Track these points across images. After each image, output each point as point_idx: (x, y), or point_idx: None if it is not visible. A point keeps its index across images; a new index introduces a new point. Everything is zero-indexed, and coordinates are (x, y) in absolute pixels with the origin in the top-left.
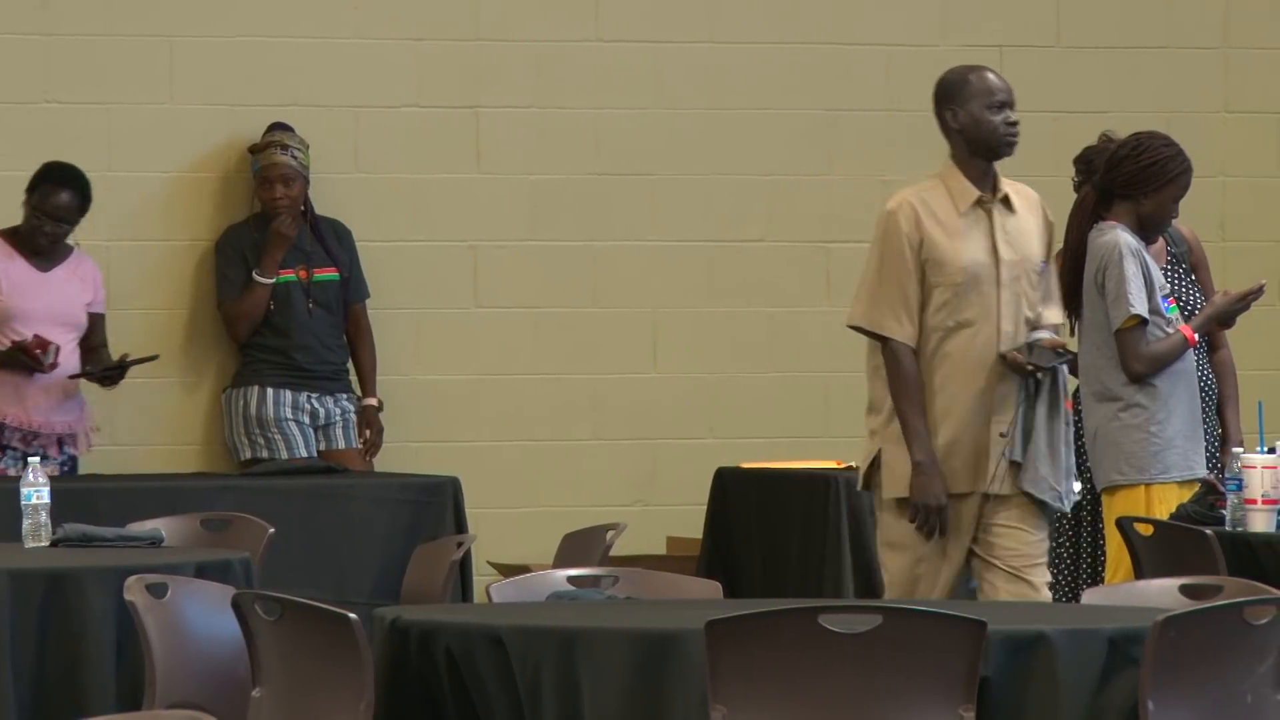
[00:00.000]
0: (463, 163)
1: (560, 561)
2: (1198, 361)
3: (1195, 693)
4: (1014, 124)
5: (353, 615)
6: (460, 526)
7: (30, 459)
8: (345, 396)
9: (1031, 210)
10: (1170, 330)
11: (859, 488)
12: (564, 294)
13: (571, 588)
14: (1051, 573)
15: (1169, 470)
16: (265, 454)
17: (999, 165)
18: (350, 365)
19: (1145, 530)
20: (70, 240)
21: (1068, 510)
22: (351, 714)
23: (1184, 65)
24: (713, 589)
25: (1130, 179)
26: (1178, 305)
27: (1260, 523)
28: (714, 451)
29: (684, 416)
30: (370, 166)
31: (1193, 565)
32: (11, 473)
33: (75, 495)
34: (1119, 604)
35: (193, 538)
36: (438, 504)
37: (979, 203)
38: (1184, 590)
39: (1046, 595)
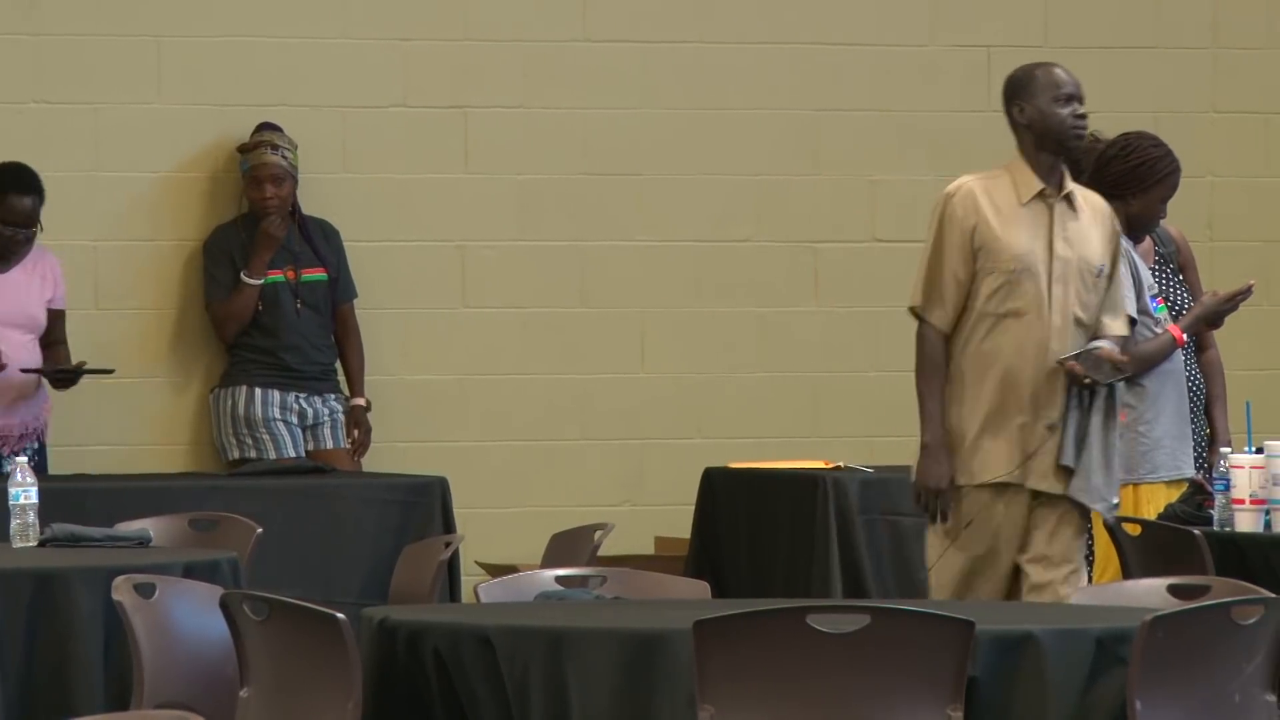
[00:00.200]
0: (451, 163)
1: (548, 561)
2: (1186, 361)
3: (1183, 692)
4: (1082, 117)
5: (340, 615)
6: (448, 526)
7: (18, 459)
8: (333, 396)
9: (1096, 216)
10: (1158, 330)
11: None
12: (552, 294)
13: (559, 588)
14: None
15: (1157, 470)
16: (253, 454)
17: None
18: (338, 365)
19: (1133, 530)
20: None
21: (1109, 520)
22: (339, 714)
23: (1172, 65)
24: (700, 589)
25: (1119, 179)
26: (1165, 305)
27: (1247, 523)
28: (702, 451)
29: (672, 416)
30: (358, 166)
31: (1180, 565)
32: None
33: (63, 495)
34: (1107, 604)
35: (181, 538)
36: (426, 504)
37: (1041, 195)
38: (1172, 590)
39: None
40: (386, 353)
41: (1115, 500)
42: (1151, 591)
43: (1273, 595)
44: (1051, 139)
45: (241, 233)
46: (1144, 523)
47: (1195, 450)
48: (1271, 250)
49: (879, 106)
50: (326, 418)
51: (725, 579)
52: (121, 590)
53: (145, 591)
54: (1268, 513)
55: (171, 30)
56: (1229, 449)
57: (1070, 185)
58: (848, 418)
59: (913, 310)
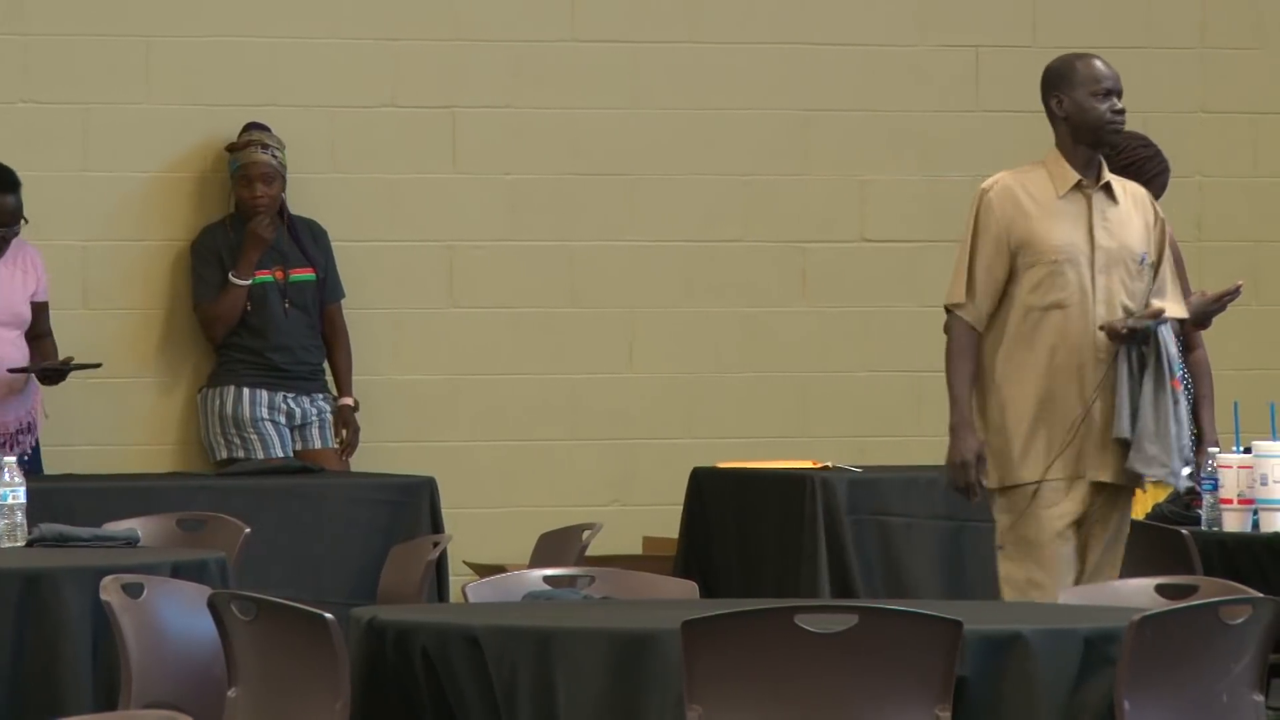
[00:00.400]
0: (439, 163)
1: (536, 561)
2: None
3: (1171, 692)
4: (1120, 111)
5: (329, 615)
6: (436, 526)
7: (6, 460)
8: (321, 396)
9: (1136, 204)
10: None
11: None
12: (541, 294)
13: (548, 588)
14: None
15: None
16: (241, 454)
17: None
18: (326, 365)
19: None
20: None
21: (1181, 489)
22: (327, 714)
23: (1161, 65)
24: (689, 589)
25: None
26: None
27: (1235, 522)
28: (690, 451)
29: (661, 416)
30: (347, 166)
31: (1168, 565)
32: None
33: (51, 495)
34: (1095, 603)
35: (169, 538)
36: (414, 504)
37: (1079, 187)
38: (1160, 590)
39: None
40: (375, 353)
41: (1178, 467)
42: (1139, 591)
43: (1260, 595)
44: (1088, 133)
45: (230, 233)
46: (1132, 522)
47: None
48: (1260, 250)
49: (868, 107)
50: (315, 418)
51: (714, 579)
52: (109, 590)
53: (133, 591)
54: (1255, 512)
55: (160, 30)
56: (1217, 449)
57: (1108, 175)
58: (836, 418)
59: (947, 308)
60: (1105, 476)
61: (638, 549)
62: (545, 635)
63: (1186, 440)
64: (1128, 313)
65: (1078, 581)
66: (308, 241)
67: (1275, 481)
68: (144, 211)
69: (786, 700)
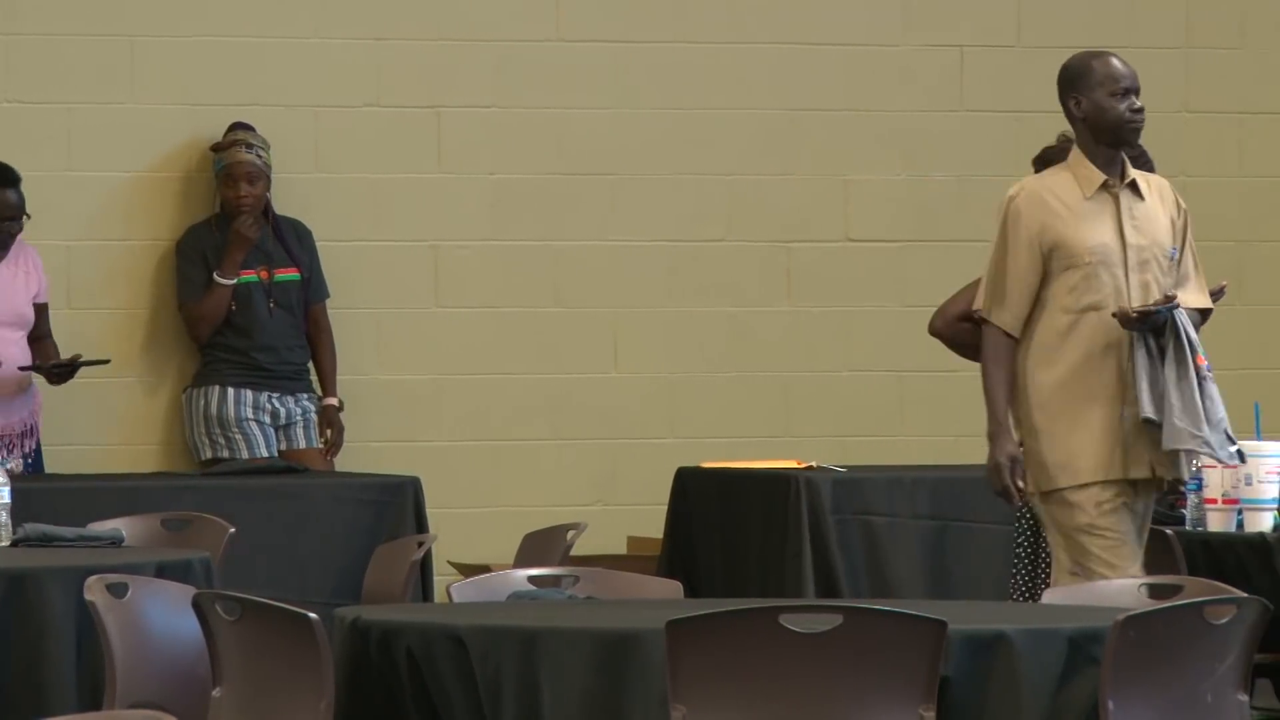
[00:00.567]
0: (424, 162)
1: (521, 561)
2: None
3: (1156, 692)
4: (1138, 110)
5: (313, 615)
6: (421, 526)
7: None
8: (306, 396)
9: (1161, 198)
10: None
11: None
12: (525, 294)
13: (532, 587)
14: (1011, 573)
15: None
16: (226, 454)
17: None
18: (311, 365)
19: None
20: None
21: (1226, 460)
22: (312, 714)
23: (1145, 65)
24: (673, 589)
25: None
26: None
27: (1220, 522)
28: (674, 451)
29: (645, 416)
30: (331, 166)
31: (1153, 565)
32: None
33: (35, 495)
34: (1079, 603)
35: (153, 537)
36: (398, 504)
37: (1105, 187)
38: (1144, 589)
39: None
40: (359, 352)
41: (1221, 440)
42: (1124, 591)
43: (1245, 595)
44: (1107, 133)
45: (214, 233)
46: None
47: None
48: (1245, 250)
49: (852, 106)
50: (299, 418)
51: (698, 579)
52: (94, 590)
53: (118, 591)
54: (1240, 512)
55: (145, 30)
56: None
57: (1132, 173)
58: (820, 417)
59: (978, 314)
60: (1144, 473)
61: (622, 549)
62: (530, 635)
63: (1221, 414)
64: None
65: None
66: (292, 241)
67: (1260, 481)
68: (129, 211)
69: (771, 700)
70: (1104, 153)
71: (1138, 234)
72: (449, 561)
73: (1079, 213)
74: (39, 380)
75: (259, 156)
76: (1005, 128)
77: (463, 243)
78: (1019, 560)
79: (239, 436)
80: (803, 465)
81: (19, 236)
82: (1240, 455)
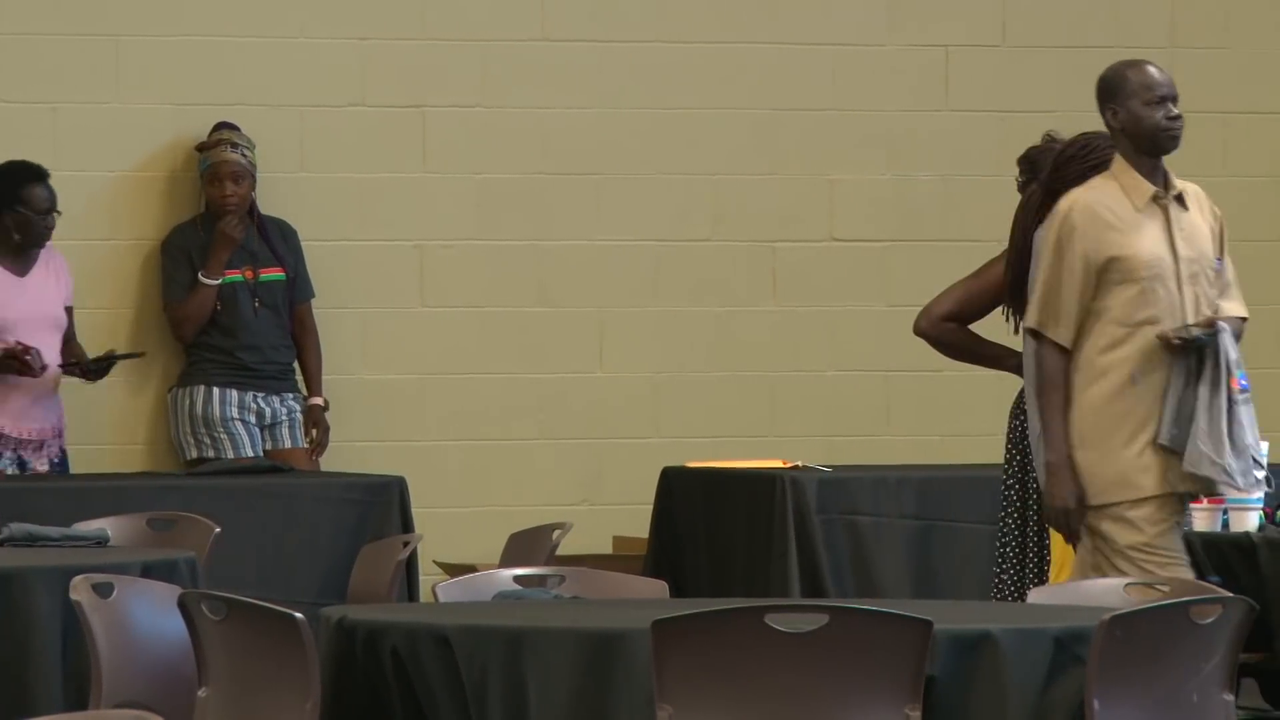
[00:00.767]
0: (409, 162)
1: (506, 561)
2: None
3: (1141, 691)
4: (1176, 118)
5: (299, 615)
6: (406, 526)
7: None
8: (291, 396)
9: (1201, 207)
10: None
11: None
12: (510, 293)
13: (518, 587)
14: (997, 573)
15: None
16: (211, 454)
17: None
18: (296, 365)
19: None
20: None
21: (1244, 489)
22: (298, 714)
23: None
24: (659, 588)
25: (1077, 179)
26: None
27: (1205, 522)
28: (660, 451)
29: (630, 416)
30: (316, 166)
31: None
32: (10, 472)
33: (21, 495)
34: (1065, 603)
35: (139, 537)
36: (384, 503)
37: (1154, 199)
38: (1129, 589)
39: None
40: (344, 352)
41: (1246, 467)
42: (1109, 591)
43: (1230, 594)
44: (1146, 142)
45: (200, 232)
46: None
47: None
48: (1231, 250)
49: (837, 106)
50: (285, 417)
51: (684, 578)
52: (79, 590)
53: (103, 591)
54: (1225, 512)
55: (130, 29)
56: None
57: (1177, 183)
58: (806, 417)
59: (1030, 331)
60: (1190, 487)
61: (608, 549)
62: (516, 635)
63: (1250, 440)
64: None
65: None
66: (277, 241)
67: None
68: (113, 211)
69: (756, 700)
70: (1147, 162)
71: (1187, 246)
72: (434, 561)
73: (1132, 226)
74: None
75: (244, 156)
76: (991, 127)
77: (448, 242)
78: (1005, 560)
79: (224, 436)
80: (788, 465)
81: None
82: (1268, 481)
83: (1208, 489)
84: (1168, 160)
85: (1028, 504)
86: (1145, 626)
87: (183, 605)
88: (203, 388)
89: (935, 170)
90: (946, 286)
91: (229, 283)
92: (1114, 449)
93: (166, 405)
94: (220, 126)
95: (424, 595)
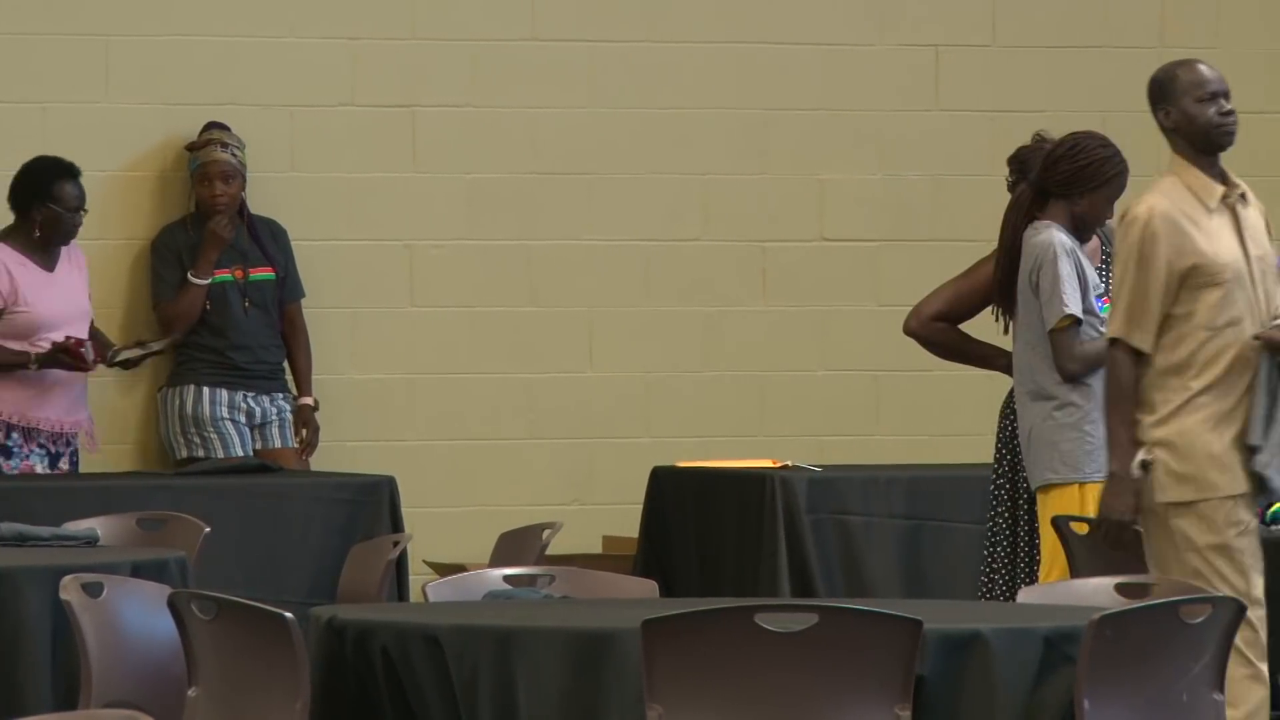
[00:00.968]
0: (399, 162)
1: (496, 561)
2: None
3: (1131, 691)
4: (1228, 114)
5: (288, 614)
6: (396, 526)
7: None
8: (281, 396)
9: (1256, 207)
10: (1104, 330)
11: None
12: (500, 293)
13: (508, 587)
14: (986, 572)
15: (1103, 469)
16: (201, 453)
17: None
18: (286, 365)
19: (1080, 529)
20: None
21: None
22: (287, 713)
23: (1120, 65)
24: (649, 588)
25: (1066, 179)
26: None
27: None
28: (650, 450)
29: (620, 416)
30: (306, 165)
31: (1128, 564)
32: (39, 469)
33: (10, 494)
34: (1054, 603)
35: (128, 537)
36: (374, 503)
37: (1223, 199)
38: (1119, 589)
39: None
40: (334, 352)
41: None
42: (1099, 590)
43: (1220, 594)
44: (1201, 141)
45: (189, 232)
46: (1091, 521)
47: None
48: None
49: (826, 106)
50: (274, 417)
51: (673, 578)
52: (69, 590)
53: (93, 591)
54: None
55: (119, 29)
56: None
57: (1238, 181)
58: (795, 417)
59: (1113, 340)
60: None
61: (598, 548)
62: (505, 634)
63: None
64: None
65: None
66: (267, 240)
67: None
68: (103, 211)
69: (746, 699)
70: (1206, 161)
71: (1255, 245)
72: (424, 561)
73: (1208, 228)
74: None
75: (234, 156)
76: (980, 127)
77: (438, 242)
78: (995, 559)
79: (214, 436)
80: (778, 465)
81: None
82: None
83: (1266, 490)
84: (1156, 158)
85: (1018, 503)
86: (1135, 626)
87: (172, 605)
88: (192, 387)
89: (925, 170)
90: (936, 286)
91: (219, 282)
92: (1197, 447)
93: (156, 405)
94: (210, 126)
95: (414, 595)
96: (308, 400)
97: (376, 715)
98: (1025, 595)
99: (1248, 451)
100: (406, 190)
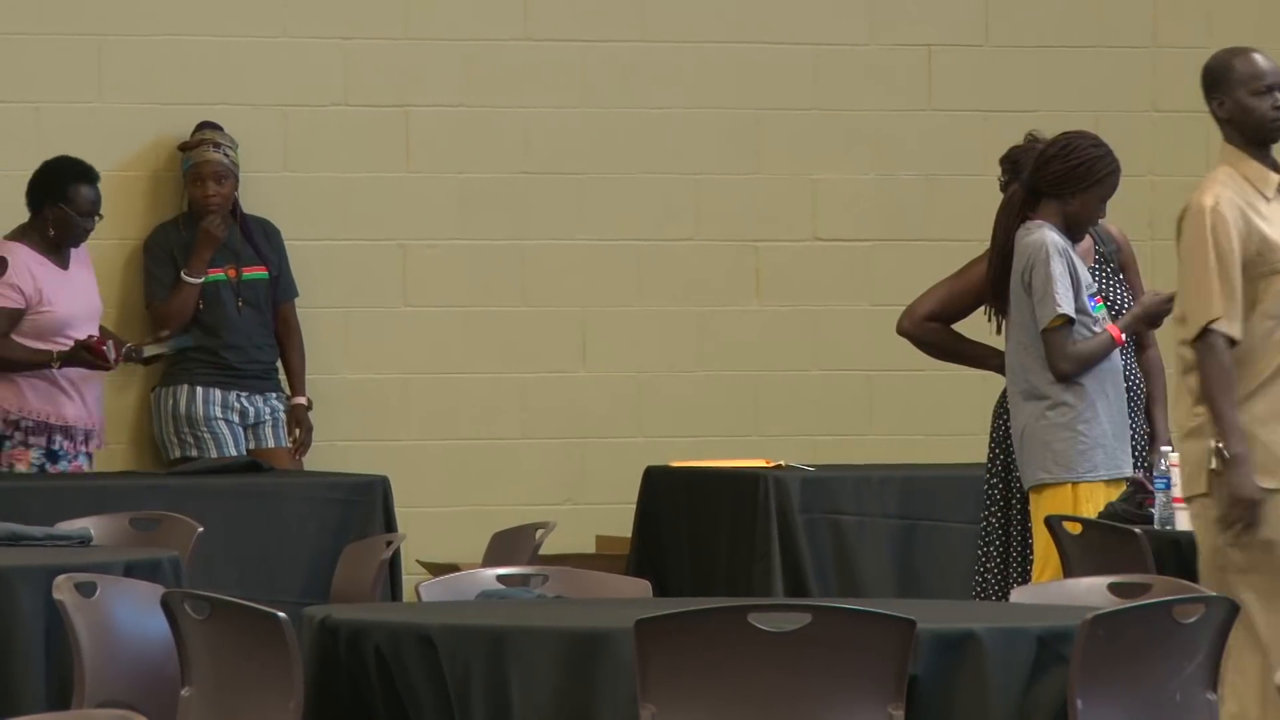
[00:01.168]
0: (392, 161)
1: (489, 560)
2: (1126, 361)
3: (1124, 691)
4: None
5: (282, 614)
6: (389, 525)
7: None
8: (275, 395)
9: None
10: (1097, 329)
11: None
12: (493, 293)
13: (501, 587)
14: (979, 572)
15: (1096, 469)
16: (194, 453)
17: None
18: (280, 364)
19: (1074, 529)
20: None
21: None
22: (281, 713)
23: (1113, 65)
24: (642, 588)
25: (1058, 179)
26: (1105, 304)
27: (1188, 521)
28: (643, 450)
29: (613, 415)
30: (299, 165)
31: (1121, 564)
32: (87, 469)
33: (3, 494)
34: (1048, 602)
35: (122, 537)
36: (367, 503)
37: (1279, 188)
38: (1112, 589)
39: None
40: (327, 351)
41: None
42: (1092, 590)
43: (1213, 594)
44: (1254, 132)
45: (182, 232)
46: (1084, 521)
47: (1135, 449)
48: None
49: (819, 105)
50: (268, 417)
51: (667, 578)
52: (62, 589)
53: (86, 590)
54: None
55: (112, 29)
56: (1169, 448)
57: None
58: (789, 416)
59: (1206, 327)
60: None
61: (591, 548)
62: (499, 634)
63: None
64: None
65: None
66: (260, 240)
67: None
68: None
69: (739, 699)
70: (1260, 151)
71: None
72: (418, 561)
73: (1269, 216)
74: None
75: (227, 156)
76: (973, 127)
77: (431, 242)
78: (988, 559)
79: (207, 436)
80: (771, 464)
81: None
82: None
83: None
84: (1148, 158)
85: (1010, 503)
86: (1128, 626)
87: (166, 605)
88: (186, 387)
89: (918, 170)
90: (929, 286)
91: (212, 282)
92: (1261, 438)
93: (150, 404)
94: (203, 126)
95: (407, 595)
96: (301, 400)
97: (370, 715)
98: (1018, 595)
99: None
100: (400, 190)
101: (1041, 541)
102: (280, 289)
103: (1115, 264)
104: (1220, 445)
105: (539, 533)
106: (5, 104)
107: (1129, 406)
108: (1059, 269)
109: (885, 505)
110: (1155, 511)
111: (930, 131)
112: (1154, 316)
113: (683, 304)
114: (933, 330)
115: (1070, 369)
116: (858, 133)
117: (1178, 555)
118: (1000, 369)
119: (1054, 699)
